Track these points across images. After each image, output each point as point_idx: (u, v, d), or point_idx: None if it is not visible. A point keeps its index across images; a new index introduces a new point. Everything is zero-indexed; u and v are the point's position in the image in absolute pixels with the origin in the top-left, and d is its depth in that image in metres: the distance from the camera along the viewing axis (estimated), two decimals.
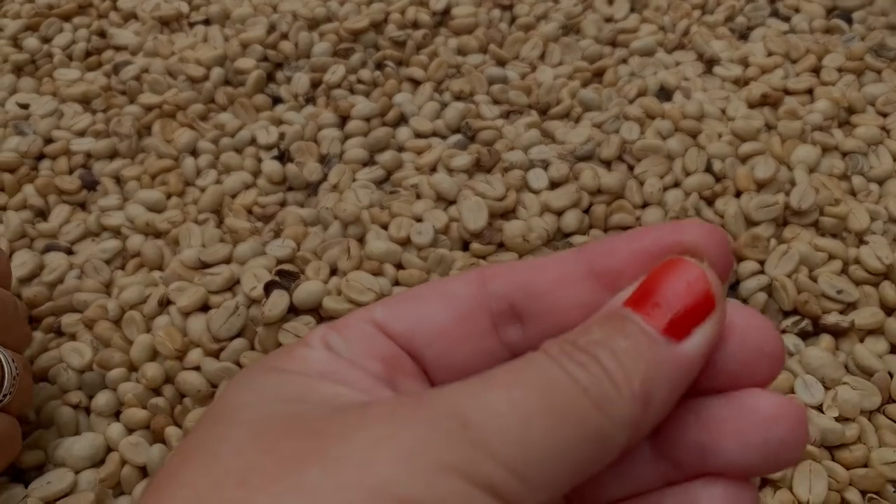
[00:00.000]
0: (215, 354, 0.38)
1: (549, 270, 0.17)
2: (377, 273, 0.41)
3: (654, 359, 0.14)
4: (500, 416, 0.13)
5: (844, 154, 0.49)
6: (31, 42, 0.58)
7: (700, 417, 0.16)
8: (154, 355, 0.39)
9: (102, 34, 0.60)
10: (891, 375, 0.38)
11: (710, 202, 0.45)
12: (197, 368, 0.38)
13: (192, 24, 0.60)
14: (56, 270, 0.44)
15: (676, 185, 0.46)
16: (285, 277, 0.40)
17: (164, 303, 0.40)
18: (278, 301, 0.38)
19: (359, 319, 0.18)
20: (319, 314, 0.39)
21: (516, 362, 0.15)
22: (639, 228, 0.17)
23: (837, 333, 0.39)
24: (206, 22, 0.60)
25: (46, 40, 0.59)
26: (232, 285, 0.41)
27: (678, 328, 0.15)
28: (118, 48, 0.59)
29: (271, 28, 0.56)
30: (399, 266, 0.42)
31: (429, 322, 0.17)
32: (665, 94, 0.53)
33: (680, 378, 0.15)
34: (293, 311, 0.39)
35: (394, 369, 0.17)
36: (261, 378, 0.16)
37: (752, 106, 0.51)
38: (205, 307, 0.40)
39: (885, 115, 0.51)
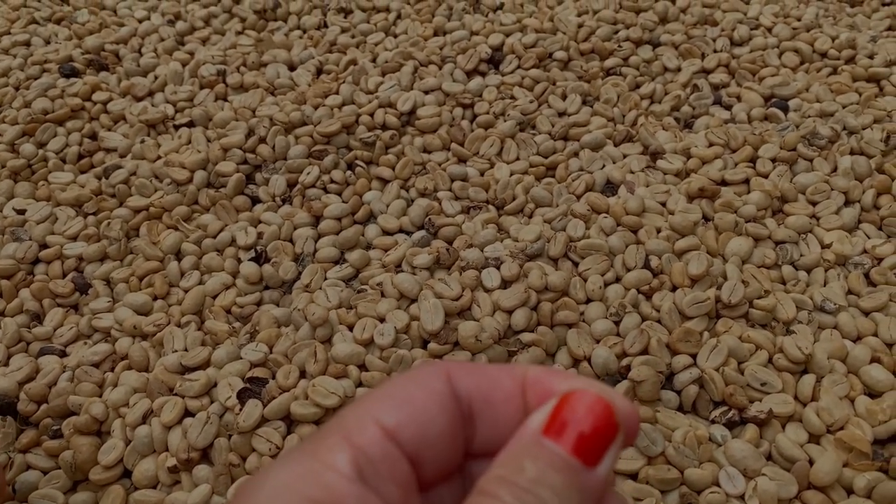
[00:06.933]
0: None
1: (504, 383, 0.20)
2: (341, 376, 0.45)
3: (581, 487, 0.18)
4: None
5: (776, 243, 0.53)
6: (28, 147, 0.62)
7: None
8: None
9: (94, 136, 0.65)
10: (811, 463, 0.41)
11: (647, 296, 0.49)
12: None
13: (176, 127, 0.64)
14: (50, 374, 0.48)
15: (617, 280, 0.50)
16: (256, 383, 0.43)
17: (148, 414, 0.44)
18: (252, 411, 0.42)
19: (376, 434, 0.19)
20: (289, 418, 0.43)
21: None
22: (574, 383, 0.20)
23: (759, 423, 0.43)
24: (190, 124, 0.64)
25: (41, 145, 0.63)
26: (208, 390, 0.45)
27: (593, 456, 0.19)
28: (108, 150, 0.63)
29: (250, 132, 0.61)
30: (362, 367, 0.46)
31: (432, 428, 0.19)
32: (611, 187, 0.57)
33: (598, 495, 0.19)
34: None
35: (407, 492, 0.19)
36: None
37: (691, 199, 0.55)
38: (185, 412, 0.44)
39: (814, 204, 0.56)
